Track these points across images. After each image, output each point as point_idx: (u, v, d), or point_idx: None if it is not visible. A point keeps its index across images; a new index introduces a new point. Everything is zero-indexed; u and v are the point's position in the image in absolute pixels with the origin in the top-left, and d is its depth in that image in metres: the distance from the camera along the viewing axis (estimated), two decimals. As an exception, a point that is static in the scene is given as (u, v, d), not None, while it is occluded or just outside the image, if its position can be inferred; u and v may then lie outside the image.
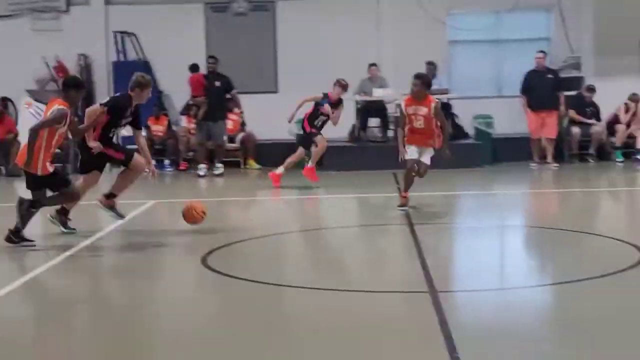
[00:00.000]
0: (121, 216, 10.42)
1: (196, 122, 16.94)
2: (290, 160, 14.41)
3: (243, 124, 18.13)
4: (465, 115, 17.99)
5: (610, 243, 8.95)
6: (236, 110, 17.68)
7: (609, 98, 17.52)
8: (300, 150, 14.48)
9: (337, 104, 14.27)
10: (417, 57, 17.44)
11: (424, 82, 11.12)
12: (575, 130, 17.59)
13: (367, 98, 17.28)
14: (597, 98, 17.72)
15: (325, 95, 14.16)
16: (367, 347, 5.53)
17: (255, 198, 14.29)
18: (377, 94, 17.23)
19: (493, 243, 9.97)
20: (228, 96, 16.75)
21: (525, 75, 17.09)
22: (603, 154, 17.82)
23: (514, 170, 16.61)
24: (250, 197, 14.25)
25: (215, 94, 16.48)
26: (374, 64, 17.73)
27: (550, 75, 17.12)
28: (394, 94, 17.23)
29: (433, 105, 11.04)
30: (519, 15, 18.98)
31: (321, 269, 8.30)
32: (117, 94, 10.83)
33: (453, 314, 6.26)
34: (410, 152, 11.17)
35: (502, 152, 17.44)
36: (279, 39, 19.24)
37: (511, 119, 17.76)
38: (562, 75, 17.94)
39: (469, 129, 18.05)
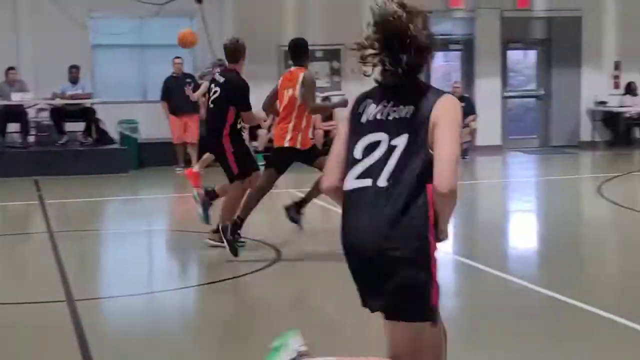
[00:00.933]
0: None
1: None
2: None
3: None
4: (110, 120, 17.70)
5: (251, 244, 9.20)
6: None
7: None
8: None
9: None
10: (59, 60, 16.97)
11: None
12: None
13: (5, 102, 16.55)
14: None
15: None
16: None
17: None
18: (16, 98, 16.58)
19: (136, 248, 9.88)
20: None
21: (164, 80, 17.25)
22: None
23: (159, 175, 16.61)
24: None
25: None
26: (12, 68, 17.00)
27: (188, 80, 17.37)
28: (34, 98, 16.74)
29: None
30: (164, 21, 19.04)
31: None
32: (225, 72, 9.12)
33: (91, 322, 6.14)
34: None
35: (148, 157, 17.41)
36: None
37: (156, 123, 17.74)
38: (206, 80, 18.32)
39: (114, 134, 17.80)
